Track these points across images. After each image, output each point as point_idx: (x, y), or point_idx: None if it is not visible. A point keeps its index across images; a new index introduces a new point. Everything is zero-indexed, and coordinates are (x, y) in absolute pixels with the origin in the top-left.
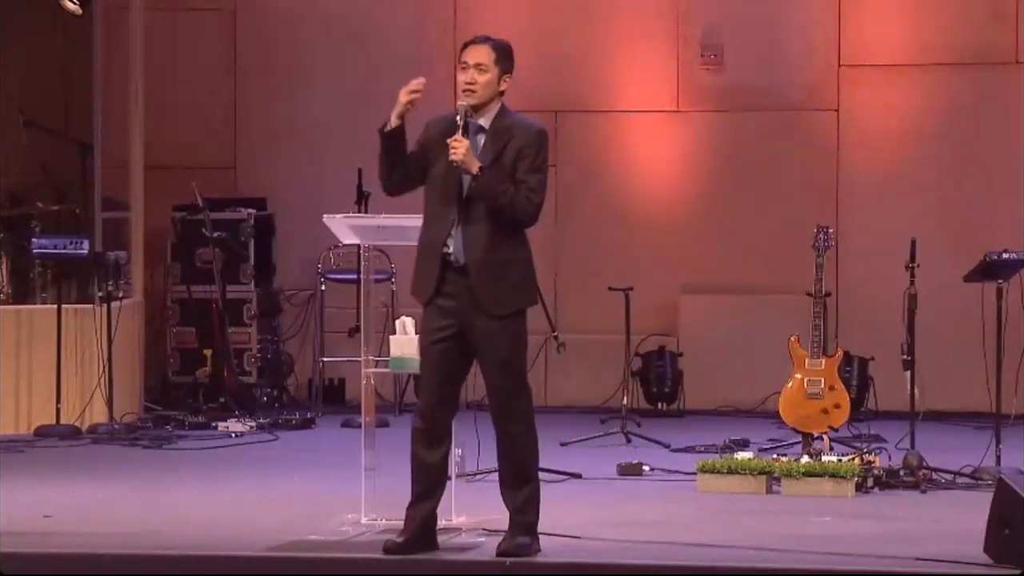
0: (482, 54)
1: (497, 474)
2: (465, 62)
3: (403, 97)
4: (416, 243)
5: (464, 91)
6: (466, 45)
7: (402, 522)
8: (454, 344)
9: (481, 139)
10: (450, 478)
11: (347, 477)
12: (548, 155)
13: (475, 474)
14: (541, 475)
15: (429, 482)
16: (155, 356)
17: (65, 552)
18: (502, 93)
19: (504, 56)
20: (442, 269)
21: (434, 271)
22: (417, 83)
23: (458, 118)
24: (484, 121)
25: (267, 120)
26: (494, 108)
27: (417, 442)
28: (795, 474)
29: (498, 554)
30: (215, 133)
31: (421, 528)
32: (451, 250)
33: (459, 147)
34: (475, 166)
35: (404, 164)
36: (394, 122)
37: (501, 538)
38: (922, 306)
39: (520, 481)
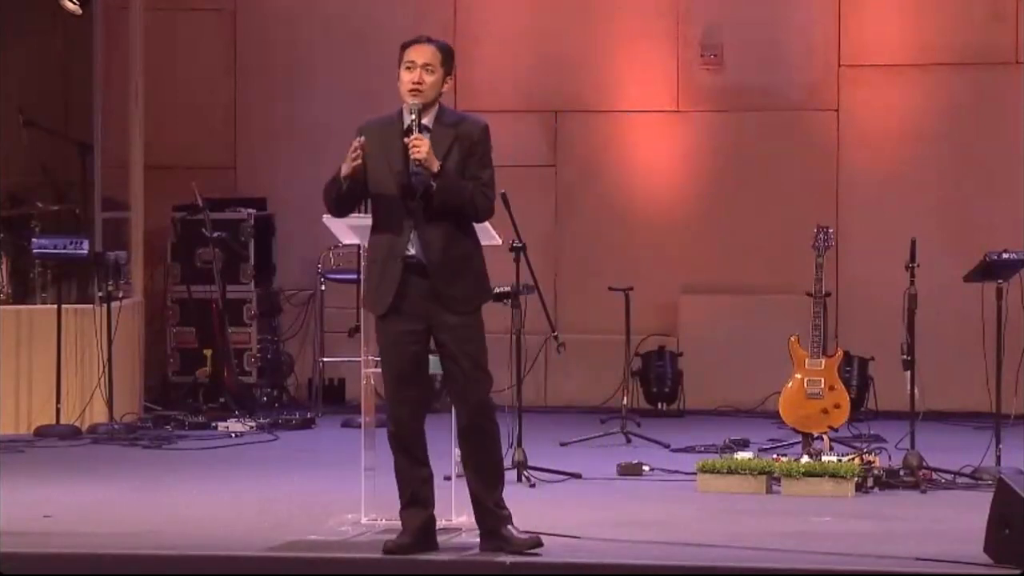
0: (428, 54)
1: (469, 476)
2: (412, 61)
3: (347, 169)
4: None
5: (411, 91)
6: (409, 45)
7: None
8: (423, 347)
9: (426, 138)
10: (449, 478)
11: (347, 477)
12: (491, 149)
13: None
14: (541, 475)
15: (418, 492)
16: (155, 356)
17: (65, 552)
18: (441, 94)
19: (448, 58)
20: (404, 274)
21: (395, 280)
22: (358, 145)
23: (412, 117)
24: (427, 121)
25: (267, 120)
26: (434, 108)
27: (399, 451)
28: (795, 474)
29: (513, 551)
30: (215, 133)
31: (421, 529)
32: (412, 252)
33: (422, 146)
34: (435, 164)
35: (356, 195)
36: (346, 183)
37: (492, 541)
38: (922, 306)
39: (497, 477)
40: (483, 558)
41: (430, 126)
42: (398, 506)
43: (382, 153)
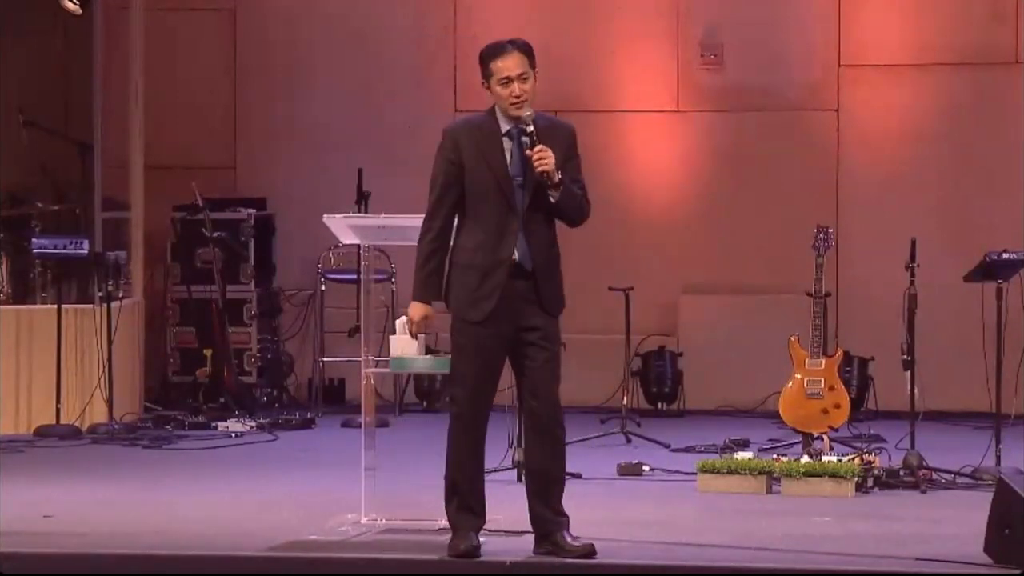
0: (520, 62)
1: (531, 478)
2: (508, 76)
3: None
4: (416, 244)
5: (513, 104)
6: (494, 56)
7: (403, 522)
8: (503, 351)
9: (549, 150)
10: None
11: (347, 477)
12: None
13: None
14: None
15: (474, 493)
16: (155, 356)
17: (65, 552)
18: None
19: (533, 57)
20: (505, 279)
21: (499, 286)
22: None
23: (530, 129)
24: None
25: (267, 120)
26: (531, 112)
27: (475, 456)
28: (795, 474)
29: (578, 556)
30: (215, 133)
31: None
32: (517, 258)
33: (548, 157)
34: (557, 175)
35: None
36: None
37: (545, 545)
38: (922, 306)
39: (561, 484)
40: (483, 558)
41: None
42: (398, 506)
43: (481, 158)
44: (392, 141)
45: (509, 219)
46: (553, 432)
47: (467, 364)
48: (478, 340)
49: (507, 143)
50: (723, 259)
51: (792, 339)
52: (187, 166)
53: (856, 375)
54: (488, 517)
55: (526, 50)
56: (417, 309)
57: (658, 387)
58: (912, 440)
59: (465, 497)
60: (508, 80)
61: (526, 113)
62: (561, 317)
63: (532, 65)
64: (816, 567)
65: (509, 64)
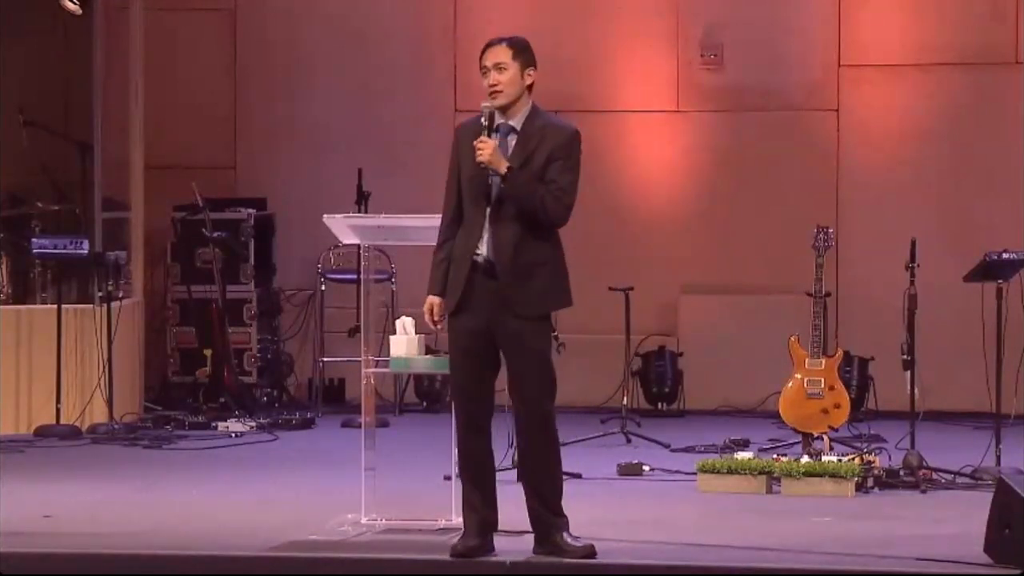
0: (499, 54)
1: (524, 479)
2: (485, 66)
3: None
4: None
5: (491, 94)
6: (484, 48)
7: (403, 522)
8: (482, 343)
9: (512, 140)
10: (448, 478)
11: (347, 477)
12: (580, 156)
13: None
14: None
15: (486, 479)
16: (155, 356)
17: (65, 552)
18: (529, 89)
19: (521, 50)
20: (471, 273)
21: (463, 279)
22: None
23: (482, 119)
24: (515, 122)
25: (267, 120)
26: (524, 108)
27: (472, 453)
28: (795, 474)
29: (578, 556)
30: (215, 133)
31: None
32: (482, 252)
33: (485, 148)
34: (503, 166)
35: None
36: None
37: (545, 547)
38: (922, 306)
39: (553, 488)
40: (483, 558)
41: (518, 127)
42: (398, 506)
43: (469, 155)
44: (392, 141)
45: (480, 213)
46: (537, 435)
47: (452, 358)
48: (456, 334)
49: (495, 138)
50: (723, 259)
51: (792, 339)
52: (187, 166)
53: (856, 375)
54: None
55: (513, 43)
56: (426, 302)
57: (658, 387)
58: (912, 440)
59: (468, 493)
60: (485, 70)
61: (485, 104)
62: (556, 315)
63: (517, 58)
64: (816, 567)
65: (488, 55)
